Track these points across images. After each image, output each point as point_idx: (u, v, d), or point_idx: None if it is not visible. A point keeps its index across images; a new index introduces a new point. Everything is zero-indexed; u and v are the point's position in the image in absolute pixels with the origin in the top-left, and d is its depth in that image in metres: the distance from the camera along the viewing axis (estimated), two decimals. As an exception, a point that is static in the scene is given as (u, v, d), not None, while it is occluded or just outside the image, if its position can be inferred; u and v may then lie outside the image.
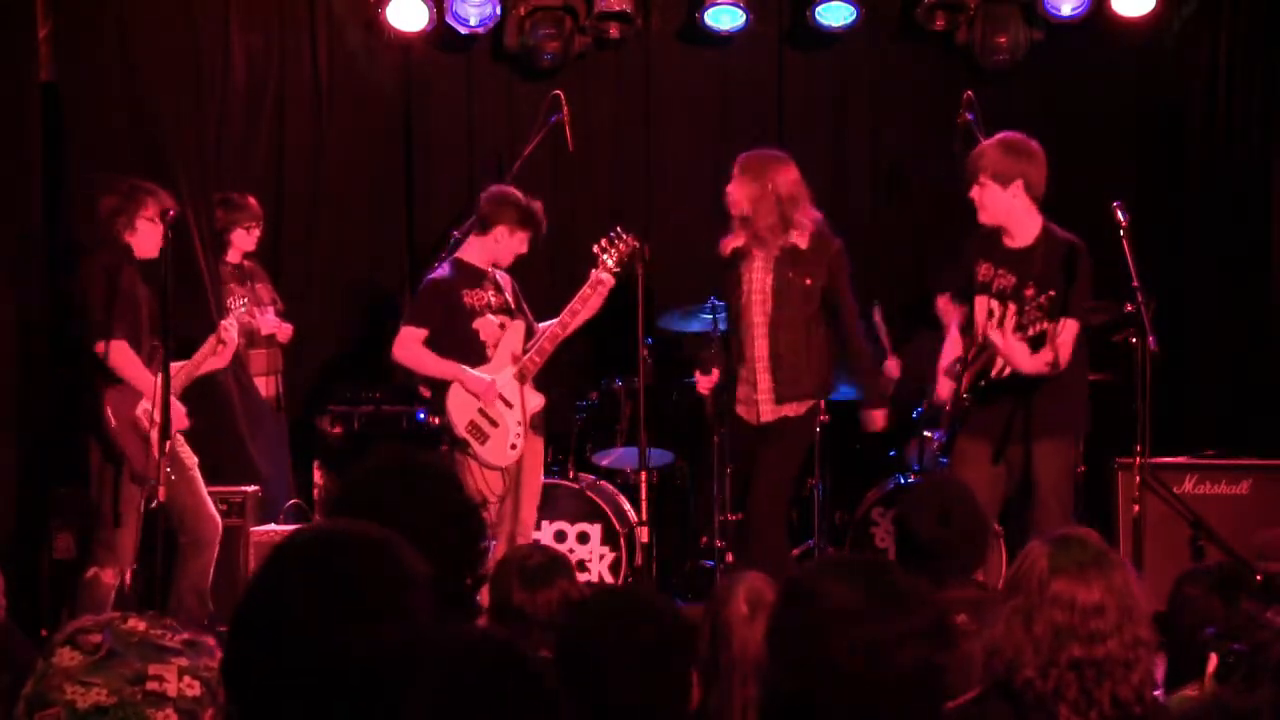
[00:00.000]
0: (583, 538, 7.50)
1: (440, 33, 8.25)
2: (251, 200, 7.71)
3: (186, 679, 4.18)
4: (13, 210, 6.94)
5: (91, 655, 4.17)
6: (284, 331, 7.78)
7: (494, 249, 6.86)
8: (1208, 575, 3.87)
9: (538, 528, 7.24)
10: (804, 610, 2.57)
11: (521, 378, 6.80)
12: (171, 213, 6.37)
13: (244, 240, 7.69)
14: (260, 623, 2.12)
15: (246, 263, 7.76)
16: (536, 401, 6.87)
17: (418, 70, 8.56)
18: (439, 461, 3.25)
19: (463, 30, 8.21)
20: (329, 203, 8.48)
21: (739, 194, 6.65)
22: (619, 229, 6.82)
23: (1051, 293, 5.98)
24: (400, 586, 2.12)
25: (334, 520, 2.49)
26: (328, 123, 8.43)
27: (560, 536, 7.46)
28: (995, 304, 6.18)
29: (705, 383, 6.89)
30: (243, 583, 6.76)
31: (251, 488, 7.08)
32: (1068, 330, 6.02)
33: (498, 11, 8.16)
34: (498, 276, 6.92)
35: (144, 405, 6.45)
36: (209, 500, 6.65)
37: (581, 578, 7.16)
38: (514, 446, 6.77)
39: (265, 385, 7.71)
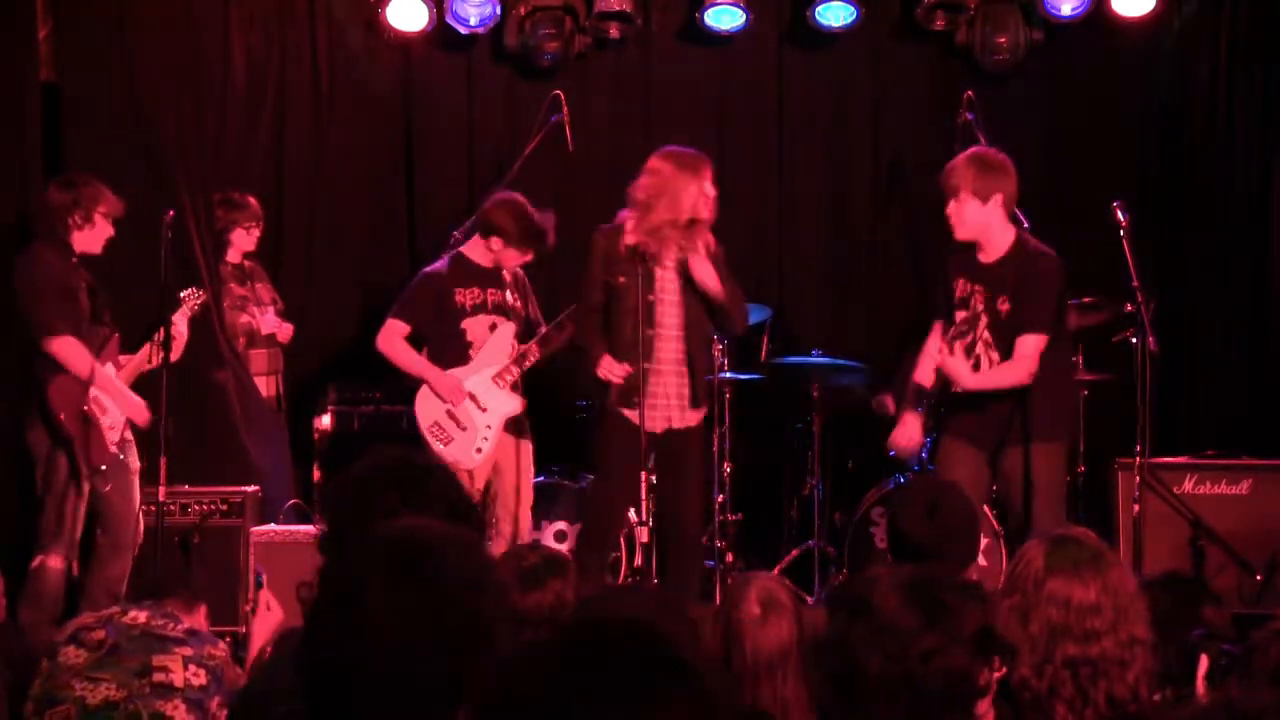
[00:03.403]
0: (583, 538, 7.49)
1: (440, 33, 8.25)
2: (252, 200, 7.72)
3: (192, 668, 4.19)
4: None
5: (96, 651, 4.18)
6: (284, 331, 7.79)
7: (491, 255, 6.85)
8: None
9: (538, 527, 7.24)
10: (847, 621, 2.67)
11: (500, 382, 6.79)
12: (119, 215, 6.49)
13: (244, 240, 7.69)
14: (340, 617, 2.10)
15: (247, 263, 7.77)
16: (513, 405, 6.83)
17: (418, 70, 8.56)
18: (438, 461, 3.26)
19: (463, 30, 8.21)
20: (329, 202, 8.48)
21: (677, 187, 6.26)
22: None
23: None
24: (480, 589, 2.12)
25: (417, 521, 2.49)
26: (328, 123, 8.44)
27: (561, 536, 7.45)
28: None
29: (619, 369, 6.37)
30: (242, 584, 6.77)
31: (251, 488, 7.08)
32: (1025, 345, 5.97)
33: (498, 11, 8.16)
34: (504, 273, 6.89)
35: (92, 394, 6.47)
36: (138, 507, 6.65)
37: (581, 578, 7.14)
38: (479, 450, 6.72)
39: (265, 385, 7.71)
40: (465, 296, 6.80)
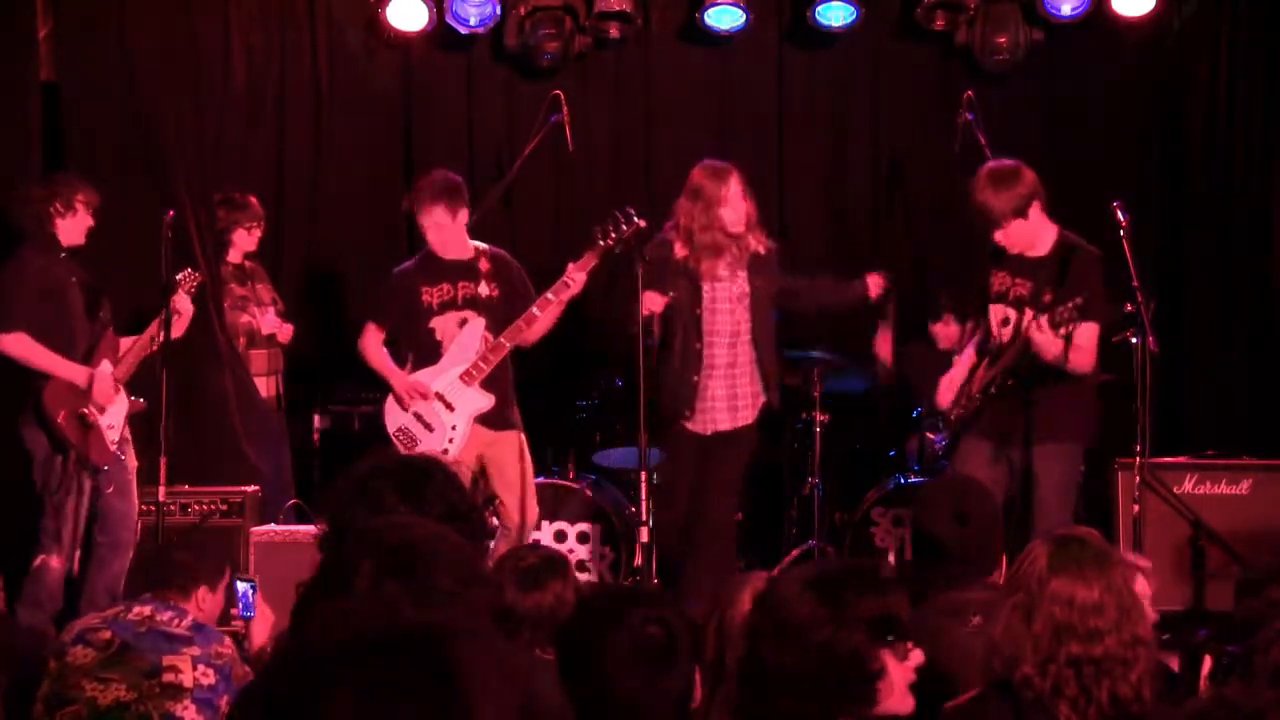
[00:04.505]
0: (583, 538, 7.49)
1: (440, 33, 8.25)
2: (253, 200, 7.71)
3: (201, 668, 4.20)
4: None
5: (104, 651, 4.18)
6: (284, 331, 7.78)
7: (433, 235, 6.73)
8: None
9: (537, 527, 7.22)
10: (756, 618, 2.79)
11: (468, 379, 6.69)
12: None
13: (245, 240, 7.69)
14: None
15: (248, 263, 7.76)
16: (482, 403, 6.72)
17: (418, 70, 8.56)
18: (438, 461, 3.26)
19: (463, 30, 8.21)
20: (329, 203, 8.48)
21: (712, 202, 6.65)
22: (630, 211, 6.64)
23: (1080, 300, 5.94)
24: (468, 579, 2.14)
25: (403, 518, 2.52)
26: (328, 123, 8.44)
27: (560, 536, 7.45)
28: (1012, 311, 6.17)
29: (660, 300, 6.62)
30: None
31: (251, 488, 7.08)
32: (1088, 332, 6.02)
33: (498, 11, 8.16)
34: (481, 262, 6.79)
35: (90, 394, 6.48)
36: (137, 506, 6.65)
37: (582, 578, 7.16)
38: (446, 451, 6.58)
39: (265, 385, 7.71)
40: (432, 295, 6.73)
